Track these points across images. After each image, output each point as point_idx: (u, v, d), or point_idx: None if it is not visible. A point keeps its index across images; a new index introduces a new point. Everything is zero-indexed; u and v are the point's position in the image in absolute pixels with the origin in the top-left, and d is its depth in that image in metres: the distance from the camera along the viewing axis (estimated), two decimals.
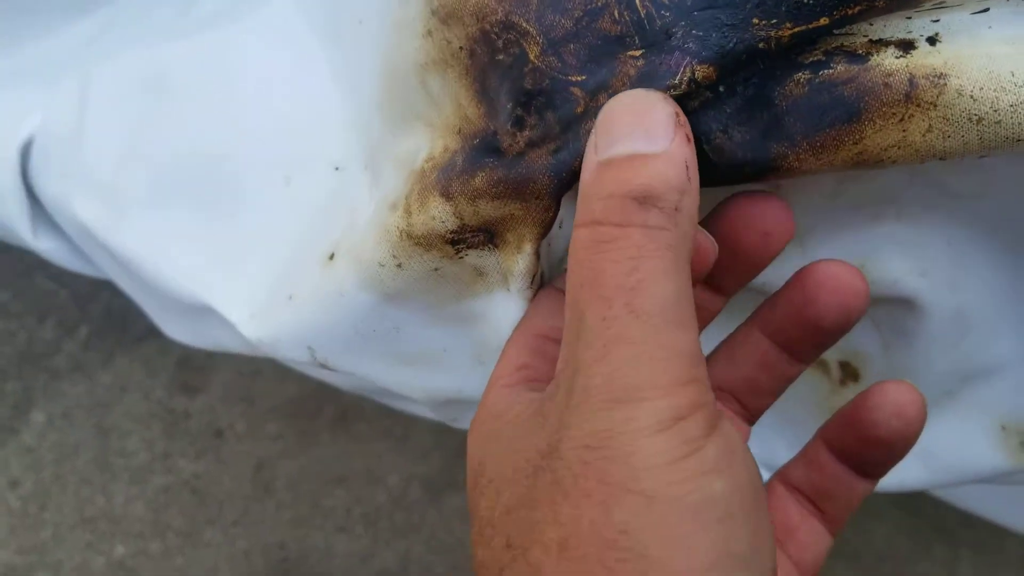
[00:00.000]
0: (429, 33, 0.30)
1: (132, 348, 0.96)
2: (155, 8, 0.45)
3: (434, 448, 0.92)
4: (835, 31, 0.26)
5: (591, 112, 0.26)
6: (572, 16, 0.27)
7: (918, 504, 0.88)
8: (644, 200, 0.23)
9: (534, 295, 0.31)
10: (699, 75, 0.25)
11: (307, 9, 0.40)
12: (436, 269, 0.31)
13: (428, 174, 0.30)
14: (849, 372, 0.40)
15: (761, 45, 0.25)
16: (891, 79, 0.25)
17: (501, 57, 0.28)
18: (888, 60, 0.26)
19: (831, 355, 0.40)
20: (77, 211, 0.41)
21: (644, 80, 0.26)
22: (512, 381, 0.28)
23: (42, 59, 0.45)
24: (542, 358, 0.29)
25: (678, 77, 0.26)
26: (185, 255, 0.40)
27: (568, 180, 0.27)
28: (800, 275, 0.29)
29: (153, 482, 0.91)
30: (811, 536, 0.30)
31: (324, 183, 0.37)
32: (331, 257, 0.34)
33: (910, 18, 0.26)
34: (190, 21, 0.43)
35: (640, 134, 0.24)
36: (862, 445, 0.29)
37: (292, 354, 0.36)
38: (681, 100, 0.26)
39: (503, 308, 0.32)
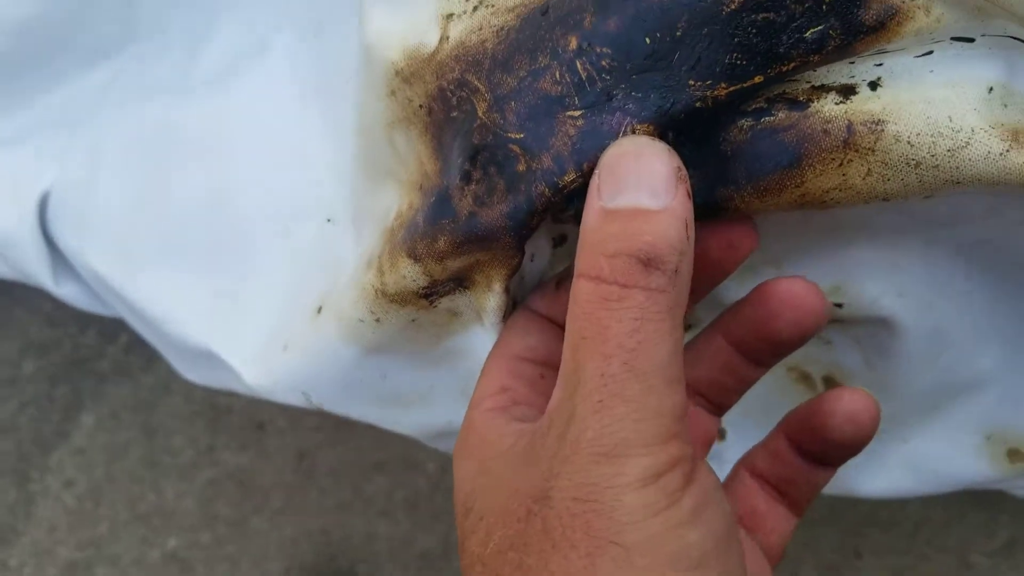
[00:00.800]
0: (393, 93, 0.31)
1: None
2: (158, 62, 0.46)
3: None
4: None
5: (538, 175, 0.27)
6: (517, 75, 0.28)
7: None
8: (648, 262, 0.24)
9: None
10: (640, 134, 0.26)
11: (302, 65, 0.41)
12: (413, 320, 0.32)
13: (396, 232, 0.31)
14: (833, 387, 0.40)
15: (699, 104, 0.26)
16: (830, 126, 0.26)
17: (455, 114, 0.29)
18: (828, 107, 0.26)
19: (816, 370, 0.41)
20: (92, 262, 0.44)
21: (585, 139, 0.27)
22: (496, 404, 0.29)
23: (55, 112, 0.47)
24: (521, 380, 0.30)
25: (619, 136, 0.26)
26: (193, 307, 0.42)
27: (527, 233, 0.28)
28: (763, 290, 0.30)
29: (200, 476, 0.95)
30: (777, 521, 0.32)
31: (318, 235, 0.39)
32: (319, 310, 0.35)
33: (853, 62, 0.27)
34: (193, 76, 0.45)
35: (644, 187, 0.25)
36: (817, 444, 0.31)
37: (289, 399, 0.38)
38: None
39: (481, 341, 0.33)
